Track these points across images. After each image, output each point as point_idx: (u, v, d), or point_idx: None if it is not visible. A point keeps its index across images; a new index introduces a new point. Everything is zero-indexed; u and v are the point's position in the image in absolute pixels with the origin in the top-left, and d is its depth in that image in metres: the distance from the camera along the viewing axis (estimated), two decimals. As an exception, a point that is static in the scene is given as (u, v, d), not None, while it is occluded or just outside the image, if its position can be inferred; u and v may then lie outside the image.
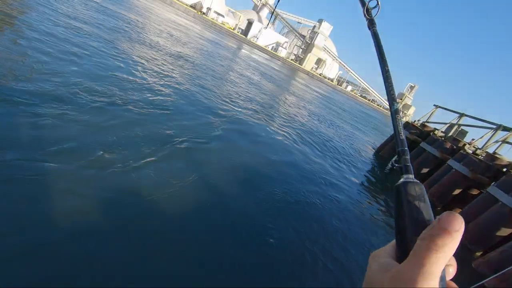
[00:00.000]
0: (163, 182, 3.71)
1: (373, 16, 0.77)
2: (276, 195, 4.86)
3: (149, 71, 8.21)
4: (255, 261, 3.26)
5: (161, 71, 8.87)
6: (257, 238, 3.64)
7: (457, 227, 0.30)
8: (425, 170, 11.77)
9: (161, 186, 3.63)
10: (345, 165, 9.40)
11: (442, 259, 0.30)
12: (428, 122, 14.88)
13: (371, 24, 0.77)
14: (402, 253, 0.35)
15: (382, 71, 0.62)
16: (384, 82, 0.60)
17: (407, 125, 14.52)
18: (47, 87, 4.55)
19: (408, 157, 0.45)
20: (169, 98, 6.89)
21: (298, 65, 75.12)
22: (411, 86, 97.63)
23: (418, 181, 0.39)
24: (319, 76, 78.34)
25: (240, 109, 9.19)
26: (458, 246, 0.30)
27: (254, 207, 4.27)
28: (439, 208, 9.70)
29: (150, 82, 7.34)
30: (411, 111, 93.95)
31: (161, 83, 7.73)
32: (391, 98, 0.54)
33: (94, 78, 5.79)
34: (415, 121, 15.61)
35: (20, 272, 2.03)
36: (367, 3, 0.80)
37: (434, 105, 15.22)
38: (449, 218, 0.31)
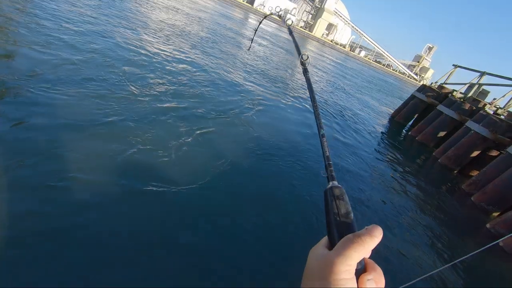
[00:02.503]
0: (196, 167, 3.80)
1: (306, 65, 1.02)
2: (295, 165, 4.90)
3: (164, 51, 8.12)
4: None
5: (175, 51, 8.75)
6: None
7: (378, 235, 0.39)
8: (441, 134, 11.42)
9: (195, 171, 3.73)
10: (360, 132, 9.26)
11: (361, 252, 0.38)
12: (446, 83, 14.18)
13: (305, 71, 1.02)
14: (331, 243, 0.43)
15: (312, 104, 0.84)
16: (314, 112, 0.79)
17: (423, 88, 13.91)
18: (79, 68, 4.61)
19: (332, 168, 0.56)
20: (185, 78, 6.85)
21: (308, 32, 71.93)
22: (430, 47, 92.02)
23: (339, 185, 0.50)
24: (330, 42, 74.98)
25: (255, 85, 9.05)
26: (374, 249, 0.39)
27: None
28: (455, 172, 9.53)
29: (167, 61, 7.28)
30: (429, 74, 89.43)
31: (177, 62, 7.66)
32: (319, 125, 0.70)
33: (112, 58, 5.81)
34: (432, 83, 14.91)
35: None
36: (300, 55, 1.05)
37: (453, 65, 14.38)
38: (374, 227, 0.40)
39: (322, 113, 9.55)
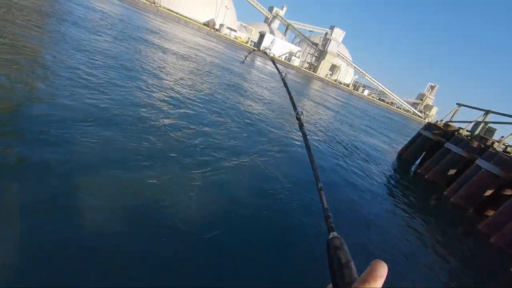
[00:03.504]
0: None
1: (301, 120, 1.11)
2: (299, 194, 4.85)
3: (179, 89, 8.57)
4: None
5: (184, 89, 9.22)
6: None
7: (383, 273, 0.38)
8: (451, 172, 11.24)
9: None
10: (368, 170, 9.19)
11: None
12: (451, 121, 14.29)
13: (301, 126, 1.10)
14: None
15: (310, 160, 0.86)
16: (311, 165, 0.83)
17: (429, 126, 14.02)
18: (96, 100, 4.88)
19: (331, 219, 0.60)
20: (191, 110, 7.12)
21: (312, 72, 75.04)
22: (432, 86, 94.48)
23: (339, 236, 0.54)
24: (334, 82, 77.74)
25: (265, 119, 9.31)
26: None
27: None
28: (470, 211, 9.20)
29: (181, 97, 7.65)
30: (434, 111, 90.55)
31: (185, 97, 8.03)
32: (316, 178, 0.75)
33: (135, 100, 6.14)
34: (437, 121, 15.05)
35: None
36: (296, 111, 1.17)
37: (457, 103, 14.62)
38: (377, 265, 0.38)
39: (328, 149, 9.61)
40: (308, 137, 0.97)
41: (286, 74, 1.81)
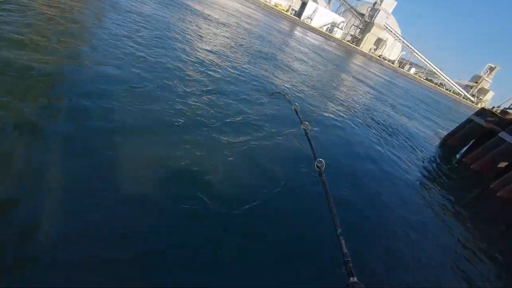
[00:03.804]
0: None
1: (322, 169, 1.20)
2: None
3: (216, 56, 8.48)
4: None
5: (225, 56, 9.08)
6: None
7: None
8: (502, 165, 10.20)
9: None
10: (407, 153, 8.63)
11: None
12: (511, 108, 12.75)
13: (320, 174, 1.19)
14: None
15: (329, 208, 0.92)
16: (330, 211, 0.91)
17: (483, 112, 12.64)
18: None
19: (351, 264, 0.61)
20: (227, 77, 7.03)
21: (355, 46, 70.28)
22: (491, 67, 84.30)
23: (359, 281, 0.55)
24: (378, 58, 72.34)
25: (300, 94, 8.98)
26: None
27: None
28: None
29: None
30: (489, 96, 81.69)
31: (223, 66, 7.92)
32: (336, 224, 0.79)
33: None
34: (493, 107, 13.50)
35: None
36: (316, 160, 1.25)
37: (521, 88, 12.90)
38: None
39: (366, 128, 9.10)
40: (327, 186, 1.03)
41: (308, 125, 1.86)
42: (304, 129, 1.74)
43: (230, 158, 4.12)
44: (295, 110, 2.13)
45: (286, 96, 2.72)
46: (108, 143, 3.33)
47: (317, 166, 1.13)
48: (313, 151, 1.36)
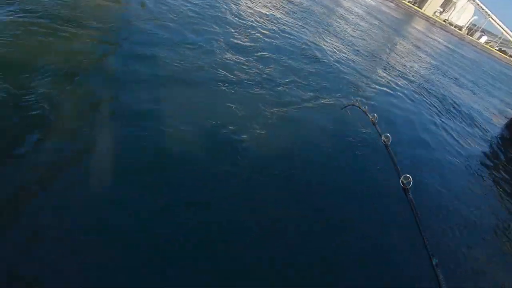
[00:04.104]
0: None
1: (408, 186, 0.98)
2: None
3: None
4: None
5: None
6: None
7: None
8: None
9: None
10: (464, 133, 7.87)
11: None
12: None
13: (406, 192, 0.98)
14: None
15: (422, 238, 0.79)
16: (424, 244, 0.78)
17: None
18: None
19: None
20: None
21: (417, 8, 62.18)
22: None
23: None
24: (443, 22, 63.57)
25: (350, 61, 8.43)
26: None
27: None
28: None
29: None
30: None
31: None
32: (430, 253, 0.72)
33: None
34: None
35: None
36: (401, 176, 1.00)
37: None
38: None
39: (423, 101, 8.37)
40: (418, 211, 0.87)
41: (389, 137, 1.46)
42: (385, 143, 1.35)
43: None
44: (372, 122, 1.79)
45: (361, 108, 2.33)
46: (151, 93, 3.49)
47: (402, 184, 1.01)
48: (396, 166, 1.18)
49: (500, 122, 11.93)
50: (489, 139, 8.98)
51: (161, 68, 3.99)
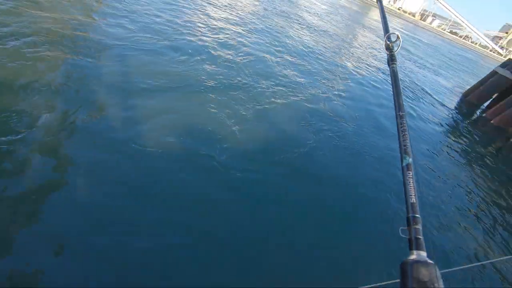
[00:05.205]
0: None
1: (393, 51, 0.71)
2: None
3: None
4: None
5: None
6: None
7: None
8: (527, 118, 9.82)
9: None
10: (423, 110, 8.46)
11: None
12: (541, 58, 11.87)
13: (391, 59, 0.71)
14: None
15: (396, 113, 0.57)
16: (398, 130, 0.53)
17: (510, 63, 11.88)
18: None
19: (419, 227, 0.37)
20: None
21: (372, -1, 65.08)
22: (525, 14, 76.25)
23: (431, 262, 0.32)
24: (397, 10, 67.07)
25: (314, 55, 8.74)
26: None
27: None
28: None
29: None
30: (520, 47, 75.16)
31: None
32: (403, 151, 0.48)
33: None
34: (522, 57, 12.61)
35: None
36: (387, 35, 0.75)
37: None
38: None
39: (387, 83, 8.88)
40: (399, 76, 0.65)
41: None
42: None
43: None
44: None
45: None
46: (127, 102, 3.54)
47: (386, 45, 0.77)
48: (385, 21, 0.89)
49: (458, 96, 12.92)
50: (449, 111, 9.73)
51: (133, 78, 4.02)
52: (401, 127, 0.54)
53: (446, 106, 10.50)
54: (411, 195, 0.41)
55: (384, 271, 2.73)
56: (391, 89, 0.68)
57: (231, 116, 4.12)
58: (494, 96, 12.23)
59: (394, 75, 0.68)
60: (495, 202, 5.26)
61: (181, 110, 3.85)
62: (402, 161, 0.48)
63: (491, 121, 10.38)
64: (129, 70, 4.17)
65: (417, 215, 0.39)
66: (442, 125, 8.28)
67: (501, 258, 3.55)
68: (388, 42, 0.75)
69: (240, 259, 2.43)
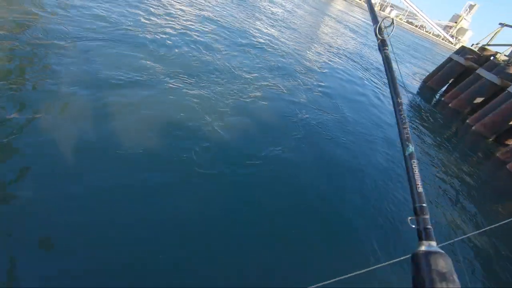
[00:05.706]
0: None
1: (385, 36, 0.67)
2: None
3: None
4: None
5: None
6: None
7: None
8: (478, 100, 10.73)
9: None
10: (388, 96, 8.88)
11: None
12: (489, 45, 12.98)
13: (382, 45, 0.67)
14: None
15: (393, 104, 0.54)
16: (397, 119, 0.53)
17: (463, 50, 12.84)
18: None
19: (428, 216, 0.36)
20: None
21: (335, -11, 66.45)
22: (471, 5, 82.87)
23: (443, 252, 0.31)
24: (358, 1, 69.26)
25: (277, 48, 8.71)
26: None
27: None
28: (490, 140, 9.09)
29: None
30: (467, 36, 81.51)
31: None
32: (405, 139, 0.46)
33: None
34: (473, 44, 13.71)
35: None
36: (380, 21, 0.69)
37: (500, 23, 13.02)
38: None
39: (354, 72, 9.15)
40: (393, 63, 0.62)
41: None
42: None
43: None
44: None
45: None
46: (104, 97, 3.29)
47: (376, 33, 0.77)
48: (372, 9, 0.83)
49: (419, 82, 13.75)
50: (413, 96, 10.33)
51: (104, 72, 3.71)
52: (400, 114, 0.52)
53: (410, 92, 11.13)
54: (417, 185, 0.40)
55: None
56: (385, 75, 0.65)
57: (210, 111, 3.99)
58: (450, 81, 13.19)
59: (387, 61, 0.64)
60: (455, 175, 5.73)
61: (156, 106, 3.64)
62: (404, 150, 0.46)
63: (449, 105, 11.21)
64: (98, 64, 3.86)
65: (424, 205, 0.39)
66: (407, 110, 8.76)
67: (474, 233, 3.85)
68: (379, 28, 0.69)
69: (233, 256, 2.40)
